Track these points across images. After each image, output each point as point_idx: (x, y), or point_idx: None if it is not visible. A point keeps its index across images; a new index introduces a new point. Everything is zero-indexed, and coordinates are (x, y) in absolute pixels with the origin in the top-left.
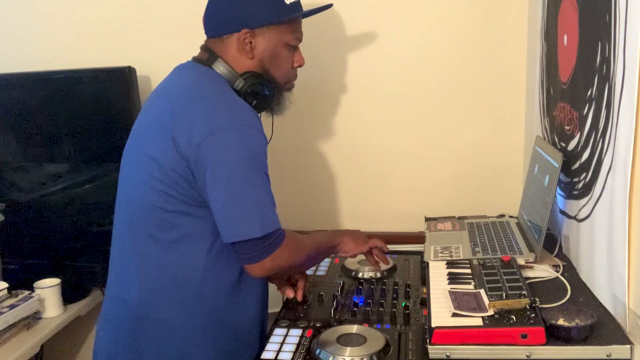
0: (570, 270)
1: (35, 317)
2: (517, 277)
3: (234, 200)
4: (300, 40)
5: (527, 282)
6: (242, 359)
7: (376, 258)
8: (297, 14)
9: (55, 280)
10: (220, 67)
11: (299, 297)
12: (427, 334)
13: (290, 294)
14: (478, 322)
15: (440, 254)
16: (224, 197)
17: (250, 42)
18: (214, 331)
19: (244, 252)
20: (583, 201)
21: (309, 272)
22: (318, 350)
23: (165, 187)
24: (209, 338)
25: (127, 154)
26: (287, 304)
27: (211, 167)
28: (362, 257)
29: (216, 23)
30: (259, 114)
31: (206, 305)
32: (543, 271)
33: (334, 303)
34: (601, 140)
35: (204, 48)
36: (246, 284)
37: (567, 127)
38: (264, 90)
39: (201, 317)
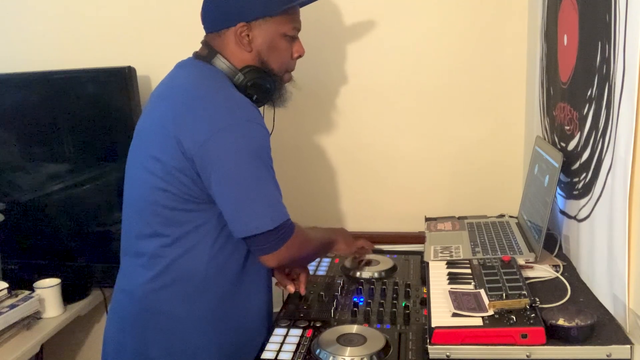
0: (570, 270)
1: (35, 317)
2: (517, 277)
3: (242, 196)
4: (298, 30)
5: (527, 282)
6: (247, 351)
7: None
8: (292, 4)
9: (55, 280)
10: (219, 63)
11: (302, 291)
12: (427, 334)
13: (291, 288)
14: (478, 322)
15: (440, 254)
16: (232, 194)
17: (248, 35)
18: (217, 324)
19: (257, 245)
20: (583, 201)
21: (309, 271)
22: (318, 350)
23: (169, 186)
24: (212, 330)
25: (132, 154)
26: (287, 303)
27: (217, 166)
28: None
29: (213, 18)
30: (260, 108)
31: (209, 298)
32: (543, 271)
33: (334, 303)
34: (601, 140)
35: (204, 43)
36: (249, 276)
37: (567, 127)
38: (265, 84)
39: (204, 310)
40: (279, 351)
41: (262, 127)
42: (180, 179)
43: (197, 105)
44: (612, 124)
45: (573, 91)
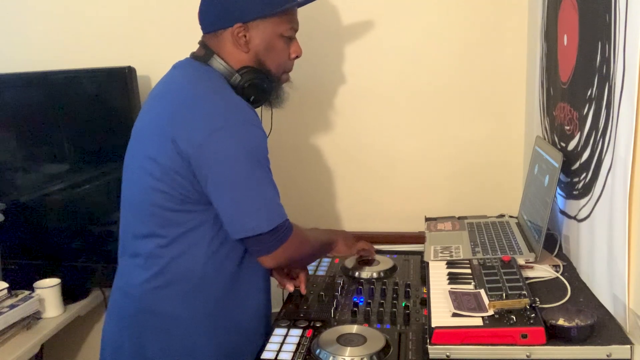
0: (570, 270)
1: (35, 317)
2: (517, 277)
3: (239, 198)
4: (295, 30)
5: (527, 282)
6: (245, 352)
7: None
8: (290, 4)
9: (55, 280)
10: (216, 64)
11: (302, 290)
12: (427, 334)
13: (290, 287)
14: (478, 322)
15: (440, 254)
16: (229, 196)
17: (245, 36)
18: (215, 324)
19: (254, 246)
20: (583, 201)
21: (309, 271)
22: (318, 350)
23: (165, 187)
24: (210, 331)
25: (129, 154)
26: (287, 303)
27: (213, 167)
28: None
29: (210, 18)
30: (257, 108)
31: (207, 298)
32: (543, 271)
33: (334, 303)
34: (601, 140)
35: (201, 44)
36: (246, 276)
37: (567, 127)
38: (262, 84)
39: (202, 310)
40: (278, 351)
41: (259, 129)
42: (177, 179)
43: (194, 106)
44: (612, 124)
45: (573, 91)
